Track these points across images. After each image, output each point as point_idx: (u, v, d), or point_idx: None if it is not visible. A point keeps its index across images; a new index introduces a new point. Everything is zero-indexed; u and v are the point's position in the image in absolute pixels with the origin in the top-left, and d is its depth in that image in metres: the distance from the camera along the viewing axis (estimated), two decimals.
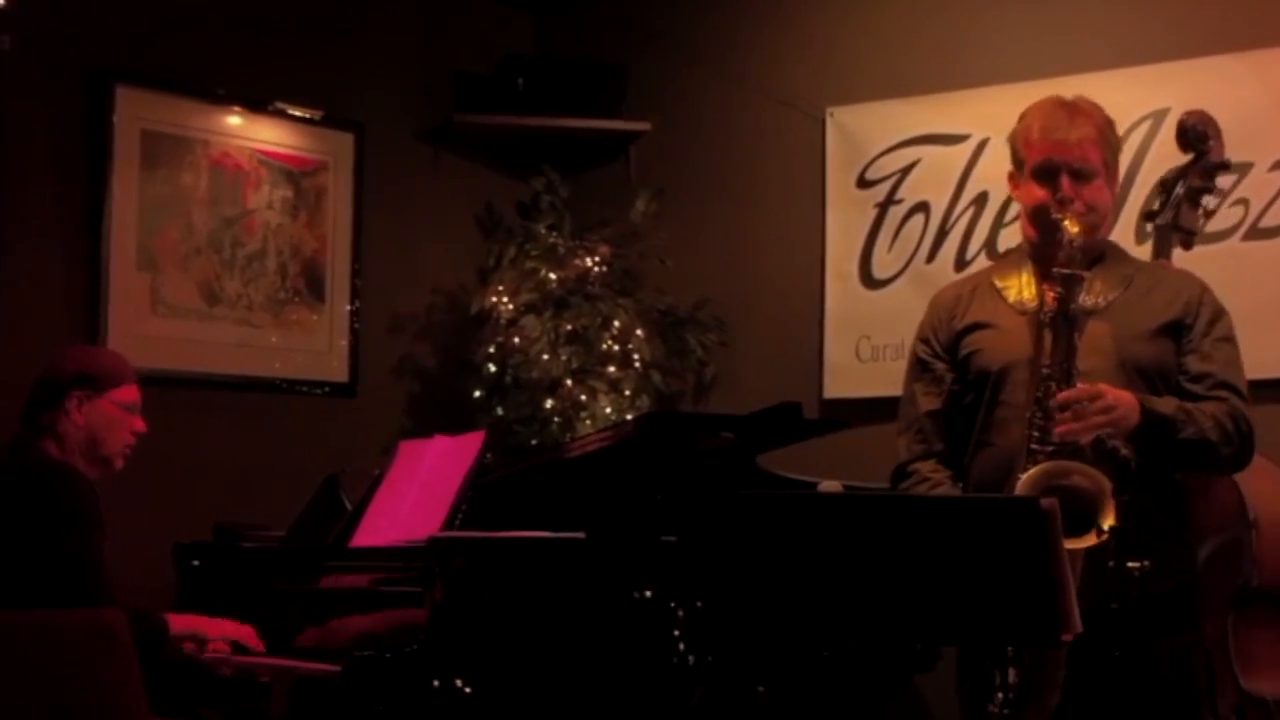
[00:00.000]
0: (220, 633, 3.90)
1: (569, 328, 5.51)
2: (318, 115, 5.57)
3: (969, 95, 5.24)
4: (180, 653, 3.85)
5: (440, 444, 4.13)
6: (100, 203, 4.98)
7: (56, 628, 3.28)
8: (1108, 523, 2.83)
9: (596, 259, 5.59)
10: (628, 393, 5.48)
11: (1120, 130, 4.65)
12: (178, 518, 4.67)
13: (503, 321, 5.54)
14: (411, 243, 5.85)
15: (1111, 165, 3.32)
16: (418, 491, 4.01)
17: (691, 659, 3.60)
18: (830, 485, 3.29)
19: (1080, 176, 3.23)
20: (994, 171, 5.00)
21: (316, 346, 5.57)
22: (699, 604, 3.57)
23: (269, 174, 5.44)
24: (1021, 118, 3.37)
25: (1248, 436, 3.19)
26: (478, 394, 5.58)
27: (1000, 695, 2.68)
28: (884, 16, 5.52)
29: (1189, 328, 3.23)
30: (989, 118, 5.02)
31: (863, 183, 5.48)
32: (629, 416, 5.34)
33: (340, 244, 5.63)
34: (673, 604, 3.61)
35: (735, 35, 5.84)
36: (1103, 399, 3.02)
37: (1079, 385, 3.04)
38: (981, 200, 5.19)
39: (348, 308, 5.64)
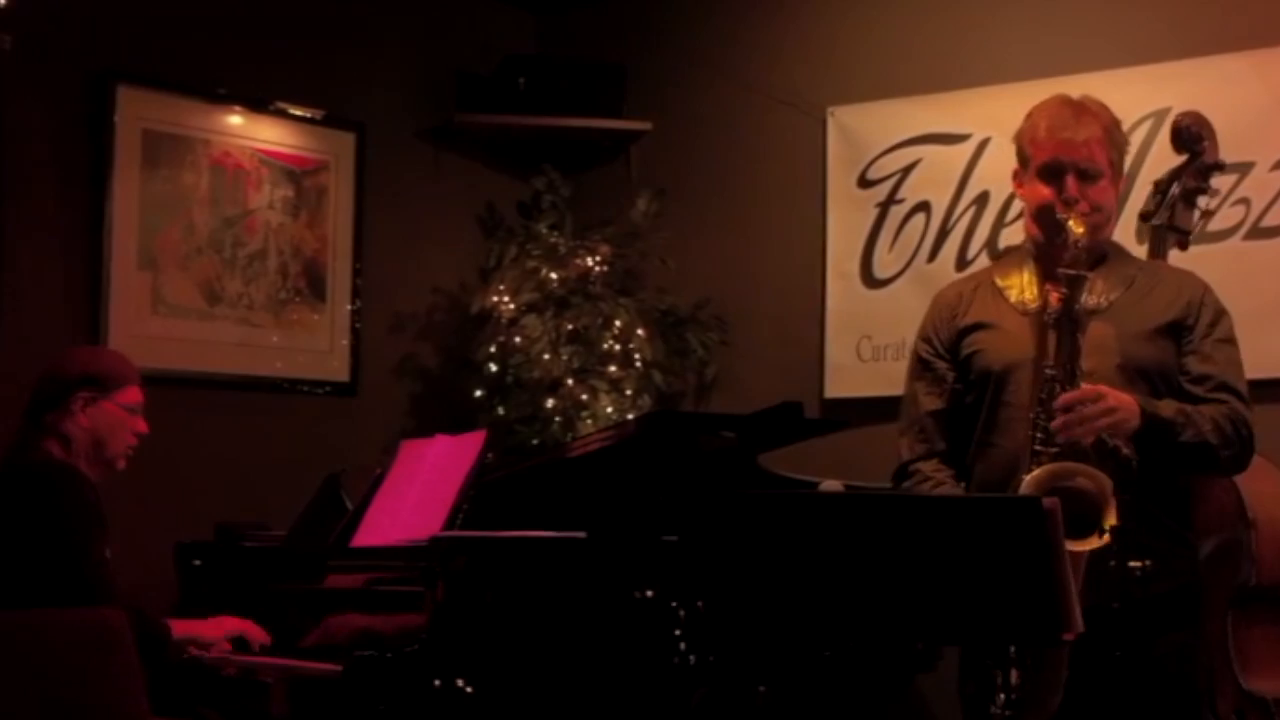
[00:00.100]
0: (222, 633, 3.90)
1: (570, 327, 5.51)
2: (319, 115, 5.57)
3: (970, 95, 5.24)
4: (183, 656, 3.85)
5: (441, 444, 4.13)
6: (101, 202, 4.98)
7: (58, 627, 3.28)
8: (1110, 520, 2.82)
9: (597, 259, 5.59)
10: (629, 392, 5.48)
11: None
12: (179, 517, 4.67)
13: (504, 321, 5.54)
14: (413, 242, 5.85)
15: (1117, 165, 3.31)
16: (419, 491, 4.01)
17: (692, 659, 3.60)
18: (831, 485, 3.28)
19: (1086, 176, 3.22)
20: (995, 171, 5.00)
21: (318, 346, 5.57)
22: (700, 604, 3.57)
23: (270, 174, 5.44)
24: (1028, 116, 3.36)
25: (1247, 440, 3.18)
26: (479, 394, 5.58)
27: (1002, 696, 2.68)
28: (885, 16, 5.52)
29: (1190, 328, 3.22)
30: (990, 117, 5.02)
31: (864, 182, 5.48)
32: (630, 416, 5.34)
33: (341, 244, 5.63)
34: (674, 604, 3.61)
35: (736, 35, 5.84)
36: (1104, 400, 3.01)
37: (1082, 386, 3.04)
38: (983, 200, 5.19)
39: (349, 307, 5.64)
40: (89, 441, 3.81)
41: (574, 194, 5.85)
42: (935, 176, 5.31)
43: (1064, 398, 3.01)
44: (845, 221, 5.51)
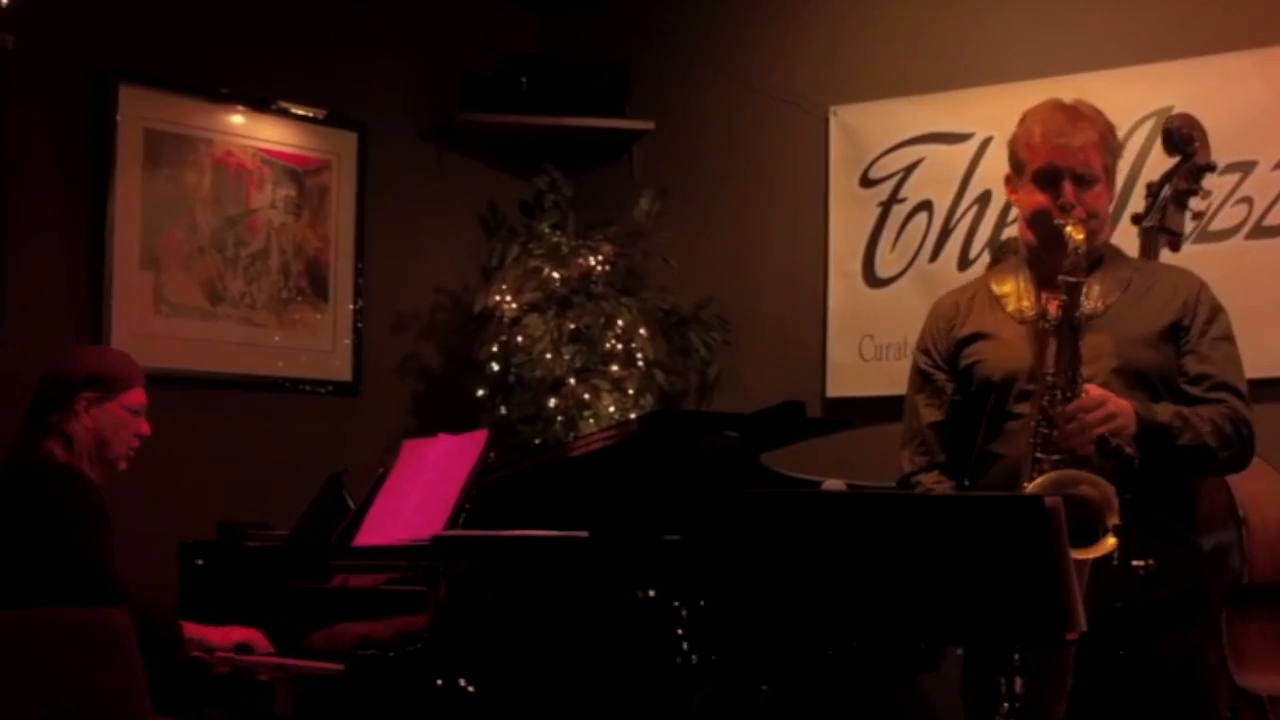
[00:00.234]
0: (227, 641, 3.89)
1: (572, 327, 5.52)
2: (321, 114, 5.57)
3: (972, 94, 5.24)
4: (187, 655, 3.86)
5: (443, 443, 4.13)
6: (104, 202, 4.99)
7: (59, 626, 3.28)
8: (1111, 543, 2.82)
9: (600, 258, 5.59)
10: (631, 392, 5.48)
11: (1124, 129, 4.69)
12: (181, 517, 4.67)
13: (506, 320, 5.54)
14: (415, 242, 5.85)
15: (1111, 170, 3.30)
16: (421, 490, 4.01)
17: (695, 658, 3.60)
18: (834, 484, 3.28)
19: (1082, 182, 3.20)
20: (997, 171, 4.93)
21: (320, 345, 5.57)
22: (702, 603, 3.57)
23: (272, 173, 5.44)
24: (1021, 121, 3.34)
25: (1247, 439, 3.16)
26: (481, 393, 5.58)
27: (1006, 705, 2.67)
28: (887, 15, 5.52)
29: (1186, 328, 3.20)
30: (992, 117, 5.02)
31: (866, 182, 5.48)
32: (632, 415, 5.34)
33: (343, 243, 5.63)
34: (676, 603, 3.61)
35: (738, 34, 5.84)
36: (1104, 406, 3.01)
37: (1086, 388, 3.03)
38: (985, 199, 5.19)
39: (351, 307, 5.64)
40: (92, 442, 3.81)
41: (576, 193, 5.85)
42: (937, 176, 5.31)
43: (1067, 409, 3.00)
44: (847, 221, 5.51)
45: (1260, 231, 4.72)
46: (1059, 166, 3.20)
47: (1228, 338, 3.24)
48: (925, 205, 5.34)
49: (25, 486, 3.71)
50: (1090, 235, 3.15)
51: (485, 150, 6.06)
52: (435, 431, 4.26)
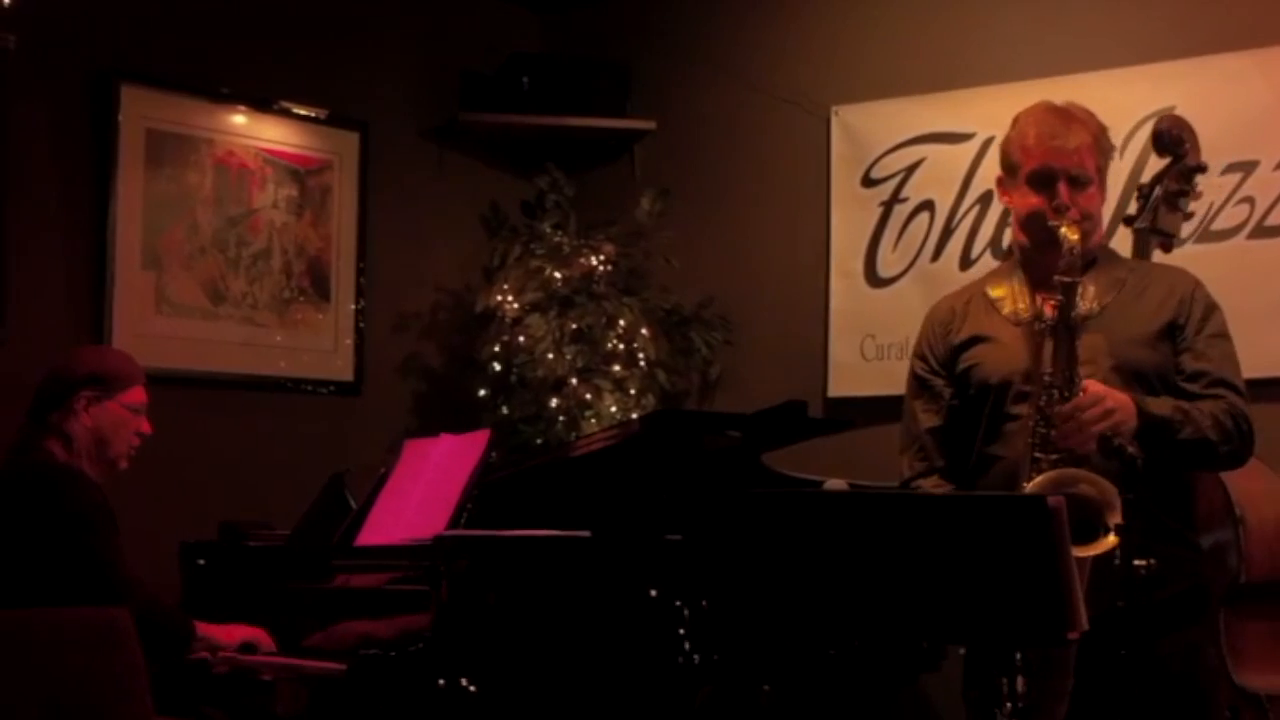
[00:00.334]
0: (233, 640, 3.90)
1: (574, 326, 5.52)
2: (323, 114, 5.57)
3: (974, 94, 5.24)
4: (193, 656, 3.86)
5: (445, 443, 4.13)
6: (105, 202, 4.99)
7: (61, 626, 3.28)
8: (1114, 523, 2.82)
9: (601, 258, 5.59)
10: (633, 392, 5.48)
11: (1125, 128, 4.70)
12: (183, 516, 4.67)
13: (508, 320, 5.54)
14: (417, 242, 5.85)
15: (1104, 172, 3.31)
16: (423, 490, 4.01)
17: (697, 658, 3.60)
18: (836, 484, 3.28)
19: (1077, 183, 3.21)
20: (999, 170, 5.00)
21: (321, 345, 5.57)
22: (704, 603, 3.57)
23: (274, 173, 5.44)
24: (1014, 123, 3.35)
25: (1247, 434, 3.17)
26: (483, 393, 5.58)
27: (1009, 705, 2.67)
28: (889, 15, 5.52)
29: (1182, 327, 3.21)
30: (994, 116, 4.97)
31: (867, 181, 5.48)
32: (634, 415, 5.34)
33: (345, 243, 5.63)
34: (678, 603, 3.61)
35: (740, 34, 5.84)
36: (1103, 403, 3.01)
37: (1084, 383, 3.03)
38: (986, 199, 5.19)
39: (353, 306, 5.64)
40: (91, 441, 3.81)
41: (578, 193, 5.85)
42: (939, 175, 5.31)
43: (1065, 408, 3.01)
44: (849, 220, 5.51)
45: (1261, 231, 4.72)
46: (1054, 168, 3.21)
47: (1223, 335, 3.24)
48: (927, 205, 5.34)
49: (29, 487, 3.72)
50: (1085, 236, 3.16)
51: (487, 150, 6.06)
52: (437, 431, 4.26)
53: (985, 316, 3.33)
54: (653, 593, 3.63)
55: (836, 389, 5.47)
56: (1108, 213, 3.48)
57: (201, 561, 4.40)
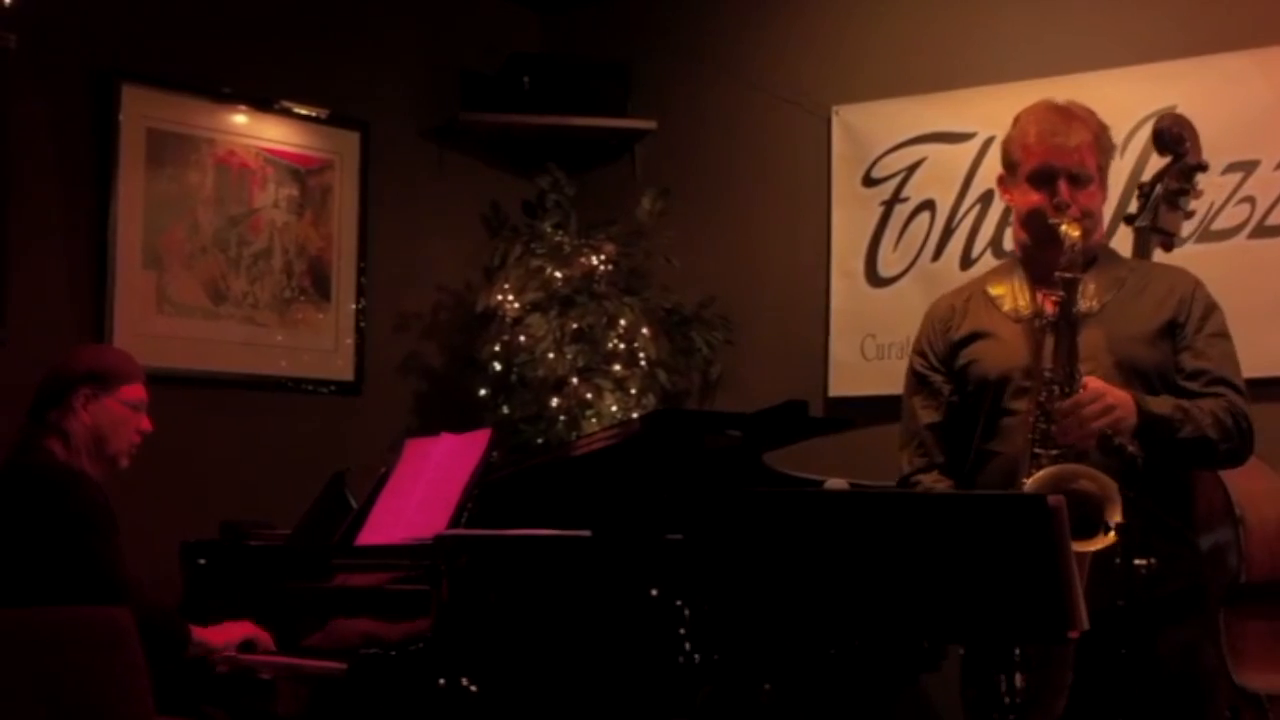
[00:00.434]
0: (228, 639, 3.89)
1: (575, 326, 5.52)
2: (323, 114, 5.57)
3: (975, 93, 5.24)
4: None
5: (446, 442, 4.13)
6: (106, 201, 4.99)
7: (62, 625, 3.28)
8: (1114, 520, 2.82)
9: (602, 257, 5.59)
10: (633, 391, 5.48)
11: (1126, 128, 4.70)
12: (184, 516, 4.68)
13: (508, 320, 5.54)
14: (417, 241, 5.85)
15: (1105, 170, 3.32)
16: (423, 490, 4.01)
17: (697, 657, 3.60)
18: (836, 483, 3.28)
19: (1077, 181, 3.22)
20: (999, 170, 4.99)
21: (322, 345, 5.57)
22: (705, 602, 3.57)
23: (275, 172, 5.44)
24: (1015, 122, 3.36)
25: (1247, 432, 3.18)
26: (483, 392, 5.58)
27: (1007, 700, 2.67)
28: (890, 14, 5.52)
29: (1182, 325, 3.22)
30: (994, 116, 4.98)
31: (868, 181, 5.48)
32: (635, 415, 5.34)
33: (346, 242, 5.63)
34: (679, 602, 3.61)
35: (741, 33, 5.84)
36: (1103, 399, 3.01)
37: (1084, 380, 3.04)
38: (987, 199, 5.19)
39: (353, 306, 5.65)
40: (89, 438, 3.81)
41: (579, 193, 5.85)
42: (940, 175, 5.31)
43: (1065, 404, 3.01)
44: (850, 220, 5.51)
45: (1262, 231, 4.72)
46: (1054, 166, 3.22)
47: (1223, 334, 3.25)
48: (928, 205, 5.34)
49: (29, 487, 3.71)
50: (1085, 234, 3.16)
51: (488, 150, 6.06)
52: (438, 431, 4.26)
53: (985, 313, 3.34)
54: (653, 592, 3.63)
55: (837, 389, 5.47)
56: (1108, 212, 3.48)
57: (202, 561, 4.40)
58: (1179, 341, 3.22)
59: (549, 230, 5.70)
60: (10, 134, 4.75)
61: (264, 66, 5.42)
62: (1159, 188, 3.75)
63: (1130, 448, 3.00)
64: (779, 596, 2.59)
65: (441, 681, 3.46)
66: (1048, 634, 2.52)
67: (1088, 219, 3.21)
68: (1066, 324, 3.08)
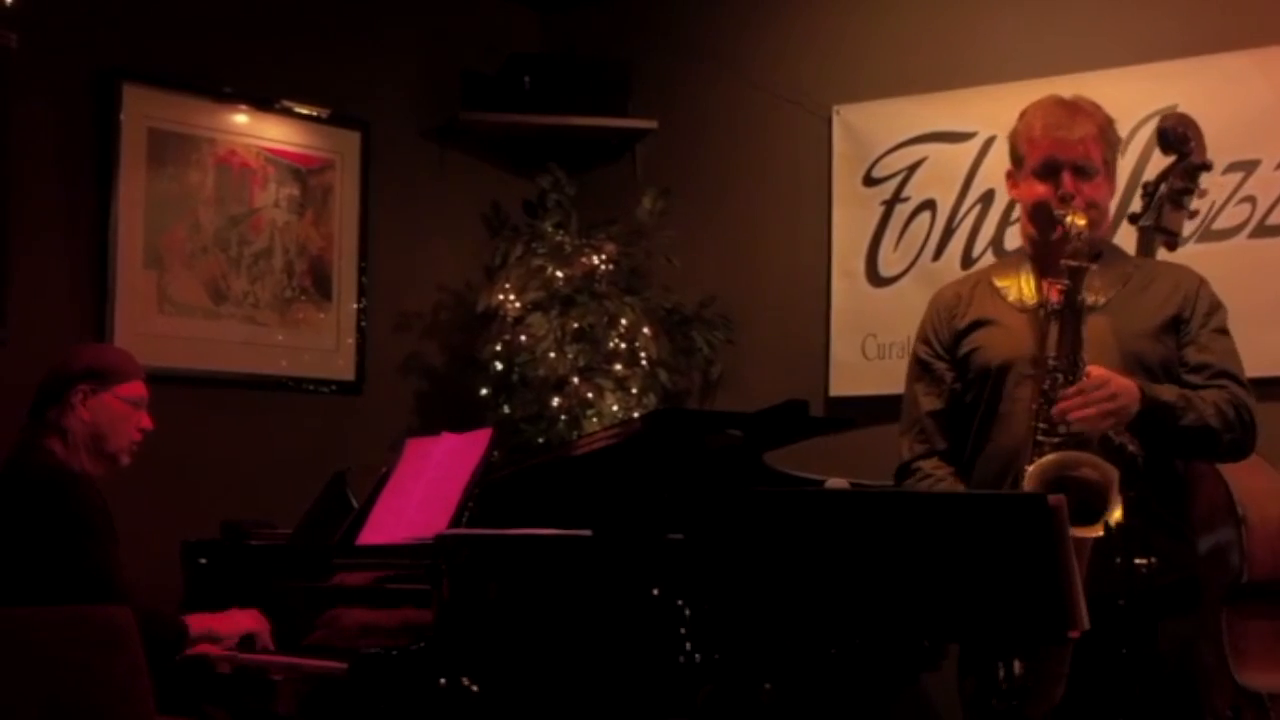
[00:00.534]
0: (235, 628, 3.90)
1: (575, 326, 5.52)
2: (324, 113, 5.57)
3: (975, 93, 5.24)
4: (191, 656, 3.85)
5: (447, 442, 4.13)
6: (107, 201, 4.99)
7: (63, 624, 3.27)
8: (1115, 514, 2.82)
9: (603, 257, 5.59)
10: (634, 391, 5.48)
11: (1126, 127, 4.69)
12: (185, 515, 4.68)
13: (509, 319, 5.54)
14: (418, 241, 5.85)
15: (1111, 164, 3.33)
16: (424, 489, 4.01)
17: (698, 657, 3.60)
18: (837, 483, 3.28)
19: (1082, 174, 3.24)
20: (1000, 169, 4.90)
21: (323, 344, 5.58)
22: (705, 602, 3.57)
23: (276, 172, 5.44)
24: (1022, 116, 3.38)
25: (1249, 424, 3.19)
26: (484, 392, 5.58)
27: (1005, 687, 2.68)
28: (890, 14, 5.52)
29: (1186, 321, 3.25)
30: (995, 115, 5.00)
31: (869, 180, 5.48)
32: (636, 414, 5.34)
33: (347, 242, 5.63)
34: (679, 602, 3.61)
35: (741, 33, 5.84)
36: (1107, 386, 3.02)
37: (1087, 369, 3.04)
38: (988, 198, 5.19)
39: (354, 306, 5.65)
40: (88, 435, 3.80)
41: (579, 192, 5.85)
42: (940, 175, 5.31)
43: (1070, 390, 3.02)
44: (850, 220, 5.51)
45: (1263, 231, 4.72)
46: (1059, 159, 3.24)
47: (1226, 332, 3.28)
48: (928, 204, 5.34)
49: (29, 488, 3.70)
50: (1092, 225, 3.17)
51: (488, 149, 6.06)
52: (438, 430, 4.26)
53: (990, 301, 3.35)
54: (654, 592, 3.63)
55: (838, 388, 5.47)
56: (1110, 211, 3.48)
57: (203, 560, 4.40)
58: (1183, 337, 3.24)
59: (550, 230, 5.70)
60: (11, 134, 4.75)
61: (265, 66, 5.42)
62: (1163, 187, 3.75)
63: (1130, 447, 3.01)
64: (780, 596, 2.60)
65: (442, 681, 3.46)
66: (1048, 633, 2.52)
67: (1093, 210, 3.22)
68: (1071, 312, 3.08)
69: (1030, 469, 2.98)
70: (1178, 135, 3.73)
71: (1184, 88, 4.76)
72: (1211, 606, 3.79)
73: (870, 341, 5.42)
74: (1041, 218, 3.26)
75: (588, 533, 3.71)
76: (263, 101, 5.41)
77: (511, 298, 5.54)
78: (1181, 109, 4.35)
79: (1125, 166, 4.71)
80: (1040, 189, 3.26)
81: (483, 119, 5.88)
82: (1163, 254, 3.72)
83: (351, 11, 5.69)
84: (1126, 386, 3.05)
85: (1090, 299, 3.17)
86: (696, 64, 5.91)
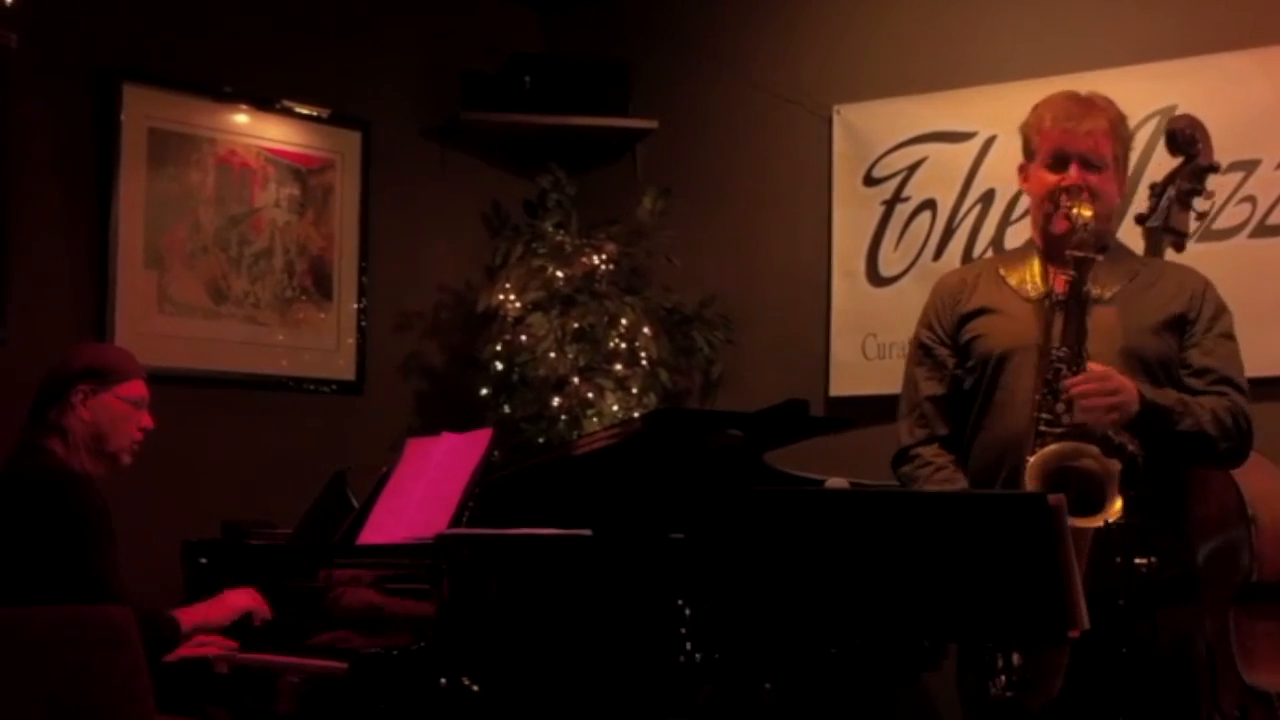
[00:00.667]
0: (229, 611, 3.89)
1: (576, 325, 5.52)
2: (325, 113, 5.57)
3: (976, 93, 5.24)
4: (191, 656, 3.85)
5: (447, 441, 4.13)
6: (108, 201, 4.99)
7: (63, 625, 3.27)
8: (1115, 509, 2.82)
9: (603, 257, 5.59)
10: (635, 390, 5.48)
11: None
12: (185, 515, 4.68)
13: (510, 319, 5.54)
14: (419, 241, 5.85)
15: (1121, 159, 3.34)
16: (424, 489, 4.02)
17: (698, 656, 3.60)
18: (837, 482, 3.28)
19: (1091, 166, 3.25)
20: (1001, 169, 5.00)
21: (323, 344, 5.58)
22: (706, 601, 3.57)
23: (276, 172, 5.44)
24: (1034, 109, 3.39)
25: (1246, 433, 3.21)
26: (485, 392, 5.58)
27: (1004, 678, 2.68)
28: (891, 14, 5.52)
29: (1192, 322, 3.25)
30: (996, 115, 5.02)
31: (869, 180, 5.48)
32: (636, 414, 5.34)
33: (347, 242, 5.63)
34: (680, 601, 3.61)
35: (742, 33, 5.84)
36: (1110, 380, 3.03)
37: (1090, 365, 3.05)
38: (988, 198, 5.19)
39: (355, 306, 5.65)
40: (88, 435, 3.79)
41: (580, 192, 5.85)
42: (941, 174, 5.32)
43: (1073, 379, 3.02)
44: (851, 219, 5.51)
45: (1263, 231, 4.72)
46: (1067, 151, 3.25)
47: (1231, 336, 3.29)
48: (929, 204, 5.34)
49: (26, 490, 3.70)
50: (1098, 218, 3.17)
51: (489, 149, 6.06)
52: (439, 430, 4.26)
53: (995, 290, 3.36)
54: (654, 591, 3.63)
55: (838, 388, 5.48)
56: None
57: (204, 560, 4.40)
58: (1187, 338, 3.24)
59: (550, 230, 5.70)
60: (11, 133, 4.75)
61: (265, 66, 5.42)
62: (1171, 188, 3.76)
63: (1130, 446, 3.01)
64: (780, 596, 2.60)
65: (443, 681, 3.46)
66: (1048, 633, 2.52)
67: (1100, 203, 3.22)
68: (1076, 303, 3.09)
69: (1032, 459, 2.98)
70: (1186, 137, 3.73)
71: (1184, 88, 4.76)
72: (1220, 606, 3.80)
73: (870, 341, 5.42)
74: (1049, 208, 3.27)
75: (588, 532, 3.71)
76: (263, 101, 5.41)
77: (512, 298, 5.54)
78: (1181, 109, 4.36)
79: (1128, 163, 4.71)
80: (1049, 179, 3.27)
81: (483, 119, 5.88)
82: (1170, 254, 3.73)
83: (352, 11, 5.69)
84: (1126, 384, 3.07)
85: (1096, 291, 3.17)
86: (696, 64, 5.91)
